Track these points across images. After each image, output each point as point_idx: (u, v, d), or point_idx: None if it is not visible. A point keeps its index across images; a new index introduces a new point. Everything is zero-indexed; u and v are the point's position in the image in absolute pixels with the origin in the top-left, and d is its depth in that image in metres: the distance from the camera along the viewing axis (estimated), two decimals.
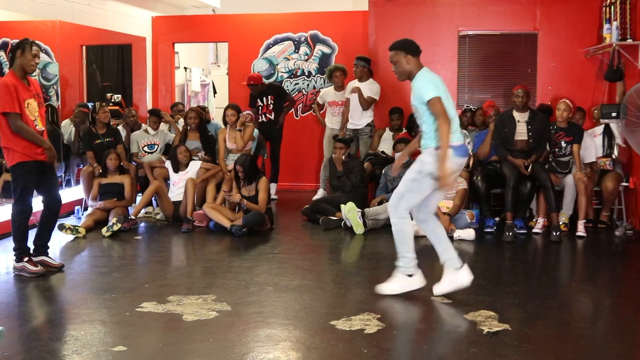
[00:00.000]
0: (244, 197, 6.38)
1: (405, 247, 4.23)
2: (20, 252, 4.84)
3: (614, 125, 6.56)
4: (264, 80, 8.43)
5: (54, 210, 5.02)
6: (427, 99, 4.01)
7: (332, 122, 8.16)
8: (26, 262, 4.82)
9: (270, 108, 8.19)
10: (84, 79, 8.45)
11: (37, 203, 5.04)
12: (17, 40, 4.80)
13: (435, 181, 4.01)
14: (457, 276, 4.22)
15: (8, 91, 4.60)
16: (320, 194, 7.93)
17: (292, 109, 8.85)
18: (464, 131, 7.09)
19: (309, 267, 5.20)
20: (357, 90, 7.66)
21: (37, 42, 4.80)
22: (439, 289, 4.25)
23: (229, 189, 6.65)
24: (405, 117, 7.66)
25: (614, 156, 6.51)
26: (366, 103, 7.69)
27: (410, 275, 4.27)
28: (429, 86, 4.04)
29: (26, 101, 4.71)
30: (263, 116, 8.21)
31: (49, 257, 5.00)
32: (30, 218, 4.93)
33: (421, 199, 4.17)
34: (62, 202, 5.13)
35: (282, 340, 3.57)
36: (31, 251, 4.93)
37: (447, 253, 4.28)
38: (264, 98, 8.22)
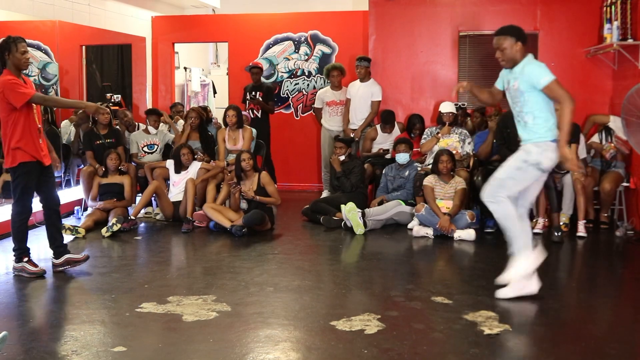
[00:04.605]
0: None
1: (516, 229, 4.09)
2: (20, 252, 4.83)
3: (615, 126, 6.60)
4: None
5: (55, 209, 5.01)
6: (543, 84, 3.93)
7: (329, 122, 8.09)
8: (26, 262, 4.82)
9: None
10: (83, 79, 8.44)
11: (37, 203, 5.03)
12: (35, 42, 4.75)
13: (541, 171, 4.03)
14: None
15: (16, 84, 4.60)
16: (325, 194, 7.89)
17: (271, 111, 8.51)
18: (464, 131, 7.11)
19: (309, 267, 5.20)
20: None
21: (20, 37, 4.73)
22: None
23: (234, 185, 6.55)
24: (396, 119, 7.65)
25: (613, 139, 6.54)
26: (375, 113, 7.72)
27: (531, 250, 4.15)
28: (543, 70, 3.97)
29: None
30: (250, 112, 8.23)
31: (71, 253, 5.00)
32: (29, 219, 4.93)
33: (520, 189, 4.12)
34: (62, 203, 5.13)
35: (282, 341, 3.56)
36: (52, 253, 4.97)
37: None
38: (254, 93, 8.25)
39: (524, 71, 4.04)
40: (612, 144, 6.52)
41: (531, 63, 4.06)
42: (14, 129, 4.67)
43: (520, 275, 4.13)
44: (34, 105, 4.77)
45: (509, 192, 4.08)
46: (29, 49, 4.79)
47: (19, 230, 4.83)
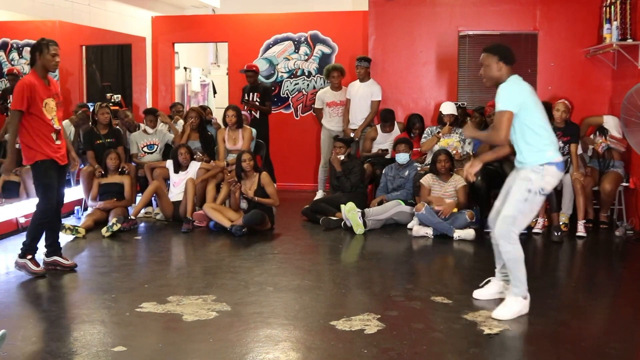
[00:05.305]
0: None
1: (522, 273, 3.98)
2: (27, 249, 4.82)
3: (609, 124, 6.62)
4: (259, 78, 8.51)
5: (56, 210, 5.01)
6: (496, 109, 3.89)
7: (330, 123, 8.11)
8: (29, 259, 4.81)
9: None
10: (83, 79, 8.46)
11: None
12: (34, 42, 4.87)
13: (544, 195, 3.95)
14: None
15: (21, 90, 4.67)
16: (319, 194, 7.93)
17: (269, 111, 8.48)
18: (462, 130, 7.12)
19: (308, 267, 5.20)
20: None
21: (53, 40, 4.83)
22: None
23: (235, 183, 6.54)
24: (396, 118, 7.66)
25: (607, 137, 6.55)
26: (375, 113, 7.73)
27: (524, 298, 4.00)
28: (504, 97, 3.89)
29: (44, 100, 4.75)
30: (249, 112, 8.25)
31: (62, 257, 5.01)
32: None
33: (530, 220, 4.12)
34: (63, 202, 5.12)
35: (282, 341, 3.57)
36: (45, 252, 4.97)
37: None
38: (252, 94, 8.27)
39: (497, 94, 3.94)
40: (604, 138, 6.52)
41: (503, 87, 3.94)
42: (28, 128, 4.73)
43: (510, 316, 3.92)
44: (52, 107, 4.81)
45: (521, 228, 3.97)
46: (27, 48, 4.85)
47: (37, 228, 4.83)
